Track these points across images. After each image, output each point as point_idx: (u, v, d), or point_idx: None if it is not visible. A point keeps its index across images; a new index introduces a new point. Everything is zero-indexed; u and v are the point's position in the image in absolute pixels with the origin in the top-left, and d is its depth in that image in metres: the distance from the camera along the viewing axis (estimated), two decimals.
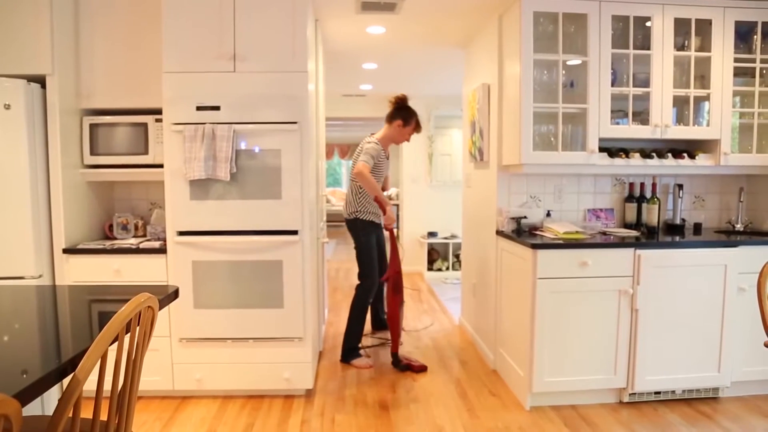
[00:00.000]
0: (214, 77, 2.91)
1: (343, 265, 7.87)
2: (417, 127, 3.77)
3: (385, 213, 3.59)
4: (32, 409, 2.09)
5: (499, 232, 3.41)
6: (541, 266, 2.85)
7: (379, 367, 3.64)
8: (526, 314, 2.93)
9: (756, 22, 3.21)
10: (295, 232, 2.98)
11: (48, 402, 2.33)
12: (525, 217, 3.41)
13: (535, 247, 2.85)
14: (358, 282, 3.78)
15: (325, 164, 6.98)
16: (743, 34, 3.32)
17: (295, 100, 2.91)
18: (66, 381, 2.82)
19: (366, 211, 3.75)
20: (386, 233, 3.83)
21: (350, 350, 3.72)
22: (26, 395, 1.03)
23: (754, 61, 3.24)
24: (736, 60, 3.22)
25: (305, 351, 3.03)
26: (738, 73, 3.27)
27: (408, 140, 3.83)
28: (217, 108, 2.90)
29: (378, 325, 4.42)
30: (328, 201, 13.16)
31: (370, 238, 3.77)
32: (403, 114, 3.71)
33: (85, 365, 1.10)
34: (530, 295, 2.88)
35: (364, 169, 3.49)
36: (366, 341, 4.21)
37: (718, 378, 3.01)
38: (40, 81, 2.90)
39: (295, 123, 2.91)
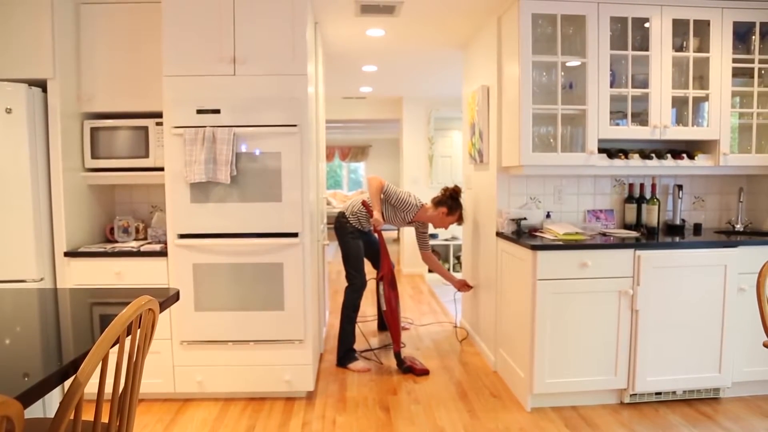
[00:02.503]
0: (214, 80, 2.92)
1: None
2: (459, 220, 3.85)
3: (372, 216, 3.68)
4: (34, 411, 2.10)
5: (499, 234, 3.42)
6: (541, 267, 2.86)
7: (380, 368, 3.64)
8: (527, 315, 2.93)
9: (754, 23, 3.22)
10: (295, 235, 2.98)
11: (49, 404, 2.34)
12: (525, 219, 3.42)
13: (535, 248, 2.86)
14: (346, 284, 3.82)
15: (326, 166, 6.99)
16: (742, 34, 3.32)
17: (295, 102, 2.92)
18: (67, 383, 2.83)
19: (357, 221, 3.86)
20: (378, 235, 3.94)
21: (346, 353, 3.72)
22: (28, 397, 1.03)
23: (752, 61, 3.25)
24: (734, 60, 3.22)
25: (306, 353, 3.04)
26: (737, 73, 3.27)
27: (446, 228, 3.91)
28: (217, 111, 2.91)
29: (384, 326, 4.53)
30: (328, 203, 13.15)
31: (356, 240, 3.85)
32: (449, 203, 3.78)
33: (87, 368, 1.11)
34: (530, 296, 2.89)
35: (378, 182, 3.70)
36: (373, 342, 4.21)
37: (718, 378, 3.01)
38: (42, 85, 2.91)
39: (295, 126, 2.92)
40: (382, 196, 3.74)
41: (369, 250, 4.11)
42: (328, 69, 5.24)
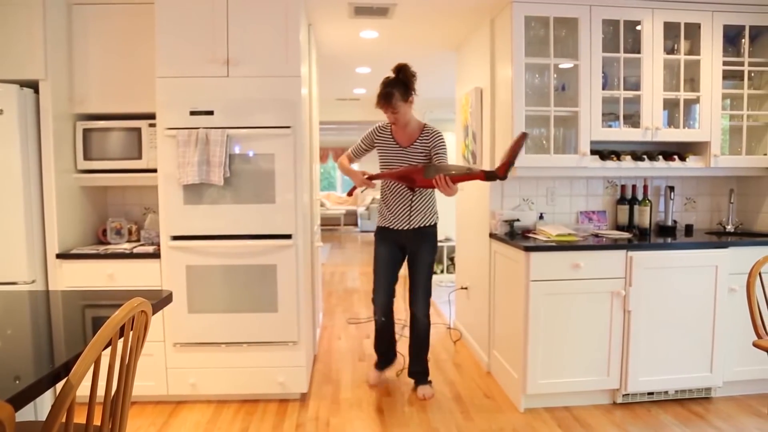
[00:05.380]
0: (207, 82, 2.92)
1: (338, 268, 7.88)
2: (380, 103, 2.99)
3: (369, 183, 3.12)
4: (25, 414, 2.09)
5: (492, 235, 3.43)
6: (534, 268, 2.87)
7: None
8: (520, 316, 2.94)
9: (744, 26, 3.25)
10: (289, 236, 2.98)
11: (41, 407, 2.32)
12: (518, 220, 3.43)
13: (528, 249, 2.87)
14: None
15: (320, 168, 6.98)
16: (731, 37, 3.36)
17: (288, 104, 2.92)
18: (59, 386, 2.81)
19: (378, 217, 3.30)
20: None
21: (377, 360, 3.41)
22: (19, 400, 1.03)
23: (742, 64, 3.28)
24: (724, 63, 3.26)
25: (299, 355, 3.04)
26: (727, 76, 3.30)
27: (393, 122, 3.07)
28: (210, 113, 2.91)
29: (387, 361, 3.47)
30: (322, 205, 13.16)
31: (378, 245, 3.27)
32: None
33: (78, 370, 1.11)
34: (523, 297, 2.90)
35: (340, 160, 3.31)
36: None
37: (710, 378, 3.03)
38: (33, 86, 2.89)
39: (288, 127, 2.92)
40: (352, 155, 3.30)
41: (398, 257, 3.24)
42: (321, 70, 5.24)
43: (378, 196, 3.40)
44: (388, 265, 3.20)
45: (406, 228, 3.14)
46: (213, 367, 3.02)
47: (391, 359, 3.43)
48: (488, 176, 2.75)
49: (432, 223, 3.17)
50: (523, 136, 2.69)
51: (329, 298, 5.87)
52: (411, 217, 3.13)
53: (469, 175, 2.79)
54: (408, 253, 3.22)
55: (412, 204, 3.12)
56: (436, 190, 2.96)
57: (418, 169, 2.88)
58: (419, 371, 3.25)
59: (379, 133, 3.20)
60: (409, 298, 3.24)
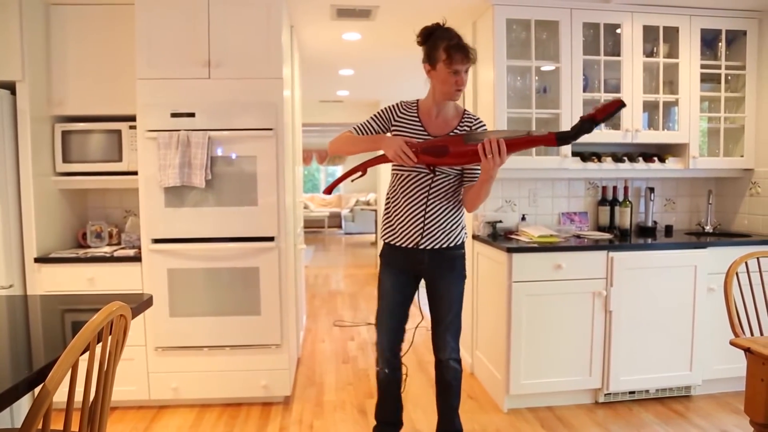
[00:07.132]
0: (188, 84, 2.89)
1: (322, 271, 7.86)
2: (450, 57, 2.15)
3: (363, 171, 2.23)
4: (1, 421, 2.05)
5: (475, 237, 3.44)
6: (517, 270, 2.89)
7: (357, 372, 3.64)
8: (502, 317, 2.96)
9: (720, 30, 3.31)
10: (271, 239, 2.97)
11: (18, 413, 2.28)
12: (500, 221, 3.45)
13: (510, 250, 2.88)
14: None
15: (303, 170, 6.97)
16: (709, 41, 3.42)
17: (270, 106, 2.91)
18: (37, 392, 2.76)
19: (384, 228, 2.39)
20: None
21: (377, 426, 2.51)
22: None
23: (719, 67, 3.34)
24: (702, 66, 3.31)
25: (282, 358, 3.02)
26: (705, 78, 3.36)
27: (457, 89, 2.21)
28: (191, 115, 2.88)
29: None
30: (306, 207, 13.12)
31: (383, 273, 2.41)
32: (426, 50, 2.22)
33: (55, 375, 1.09)
34: (506, 298, 2.91)
35: (341, 136, 2.28)
36: None
37: (690, 377, 3.08)
38: (10, 87, 2.84)
39: (270, 129, 2.91)
40: (358, 131, 2.30)
41: (410, 290, 2.47)
42: (304, 72, 5.23)
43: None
44: (395, 303, 2.40)
45: (420, 246, 2.24)
46: (195, 371, 2.99)
47: (396, 430, 2.51)
48: (561, 139, 1.98)
49: (460, 242, 2.30)
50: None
51: (313, 301, 5.85)
52: (425, 228, 2.23)
53: (530, 138, 2.00)
54: (426, 281, 2.41)
55: (427, 209, 2.21)
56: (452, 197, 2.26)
57: (454, 138, 2.07)
58: (452, 431, 2.44)
59: (403, 112, 2.28)
60: (433, 341, 2.45)
